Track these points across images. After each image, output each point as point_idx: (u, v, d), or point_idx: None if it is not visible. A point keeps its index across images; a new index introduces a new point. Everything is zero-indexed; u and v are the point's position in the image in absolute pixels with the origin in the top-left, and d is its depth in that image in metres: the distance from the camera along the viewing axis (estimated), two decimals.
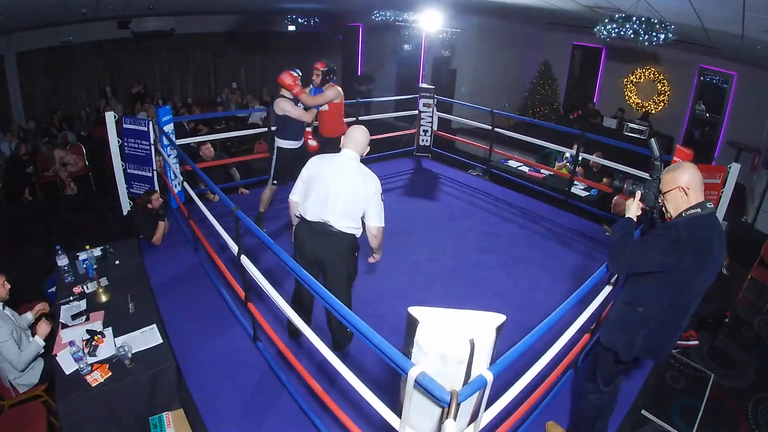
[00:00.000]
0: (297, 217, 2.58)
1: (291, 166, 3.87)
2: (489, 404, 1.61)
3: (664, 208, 1.84)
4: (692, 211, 1.72)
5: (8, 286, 2.60)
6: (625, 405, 2.57)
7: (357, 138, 2.47)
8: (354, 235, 2.52)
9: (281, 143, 3.88)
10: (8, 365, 2.47)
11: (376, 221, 2.47)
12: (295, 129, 3.86)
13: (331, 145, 2.40)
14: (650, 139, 2.16)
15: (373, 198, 2.43)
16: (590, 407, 2.15)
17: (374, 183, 2.44)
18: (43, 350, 2.55)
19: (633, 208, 1.99)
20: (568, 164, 5.66)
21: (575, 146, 5.08)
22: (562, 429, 2.39)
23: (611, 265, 1.91)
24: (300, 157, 3.54)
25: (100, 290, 2.95)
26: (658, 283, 1.76)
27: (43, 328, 2.57)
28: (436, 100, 6.29)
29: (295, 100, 3.78)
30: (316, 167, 2.47)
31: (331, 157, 2.51)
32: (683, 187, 1.74)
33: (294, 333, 2.92)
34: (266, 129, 5.22)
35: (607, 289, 2.53)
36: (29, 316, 2.80)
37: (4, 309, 2.57)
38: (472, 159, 6.50)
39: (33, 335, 2.57)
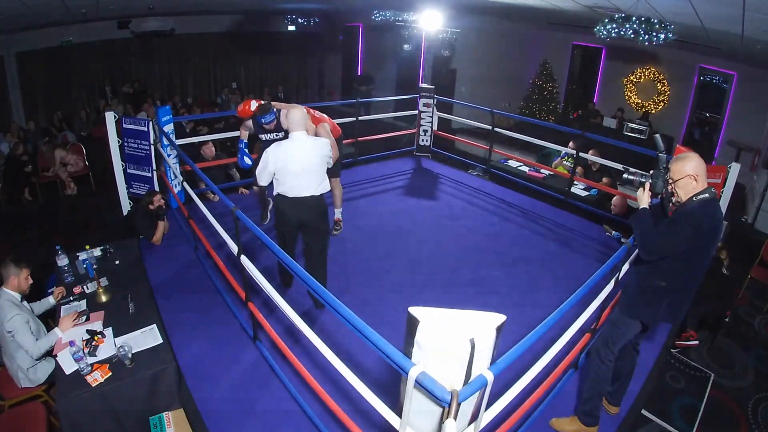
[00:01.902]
0: (272, 195, 3.03)
1: None
2: (489, 404, 1.62)
3: (673, 193, 2.04)
4: (702, 195, 1.94)
5: (30, 281, 2.65)
6: (625, 405, 2.57)
7: (298, 119, 2.90)
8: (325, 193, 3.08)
9: None
10: (23, 354, 2.51)
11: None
12: None
13: None
14: (655, 134, 2.37)
15: (329, 154, 3.04)
16: (606, 374, 2.30)
17: (327, 144, 3.04)
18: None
19: (645, 198, 2.19)
20: (565, 163, 5.65)
21: (570, 143, 5.09)
22: (567, 418, 2.40)
23: (644, 254, 2.11)
24: None
25: (100, 290, 2.95)
26: (678, 260, 2.01)
27: (67, 323, 2.60)
28: (436, 100, 6.28)
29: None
30: (283, 155, 2.88)
31: (291, 143, 2.91)
32: (692, 174, 1.95)
33: (287, 282, 3.35)
34: None
35: (608, 288, 2.53)
36: (51, 300, 2.86)
37: (22, 302, 2.63)
38: (472, 159, 6.49)
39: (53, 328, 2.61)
